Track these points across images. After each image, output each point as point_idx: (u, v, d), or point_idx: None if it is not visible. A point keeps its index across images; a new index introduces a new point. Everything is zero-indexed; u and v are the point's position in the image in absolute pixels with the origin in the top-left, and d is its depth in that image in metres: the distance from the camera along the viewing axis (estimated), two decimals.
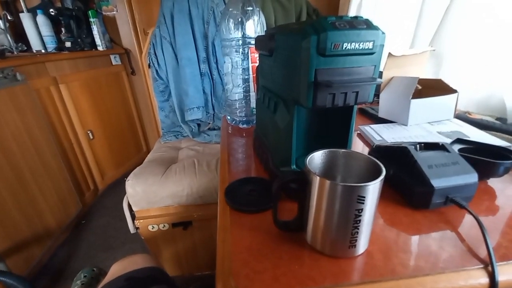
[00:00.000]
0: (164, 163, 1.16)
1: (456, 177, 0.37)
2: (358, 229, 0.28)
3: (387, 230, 0.34)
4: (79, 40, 1.82)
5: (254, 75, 0.68)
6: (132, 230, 1.10)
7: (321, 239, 0.31)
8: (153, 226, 1.09)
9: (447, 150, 0.40)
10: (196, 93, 1.26)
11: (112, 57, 1.96)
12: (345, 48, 0.31)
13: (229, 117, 0.77)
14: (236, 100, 0.72)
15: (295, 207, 0.33)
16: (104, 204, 1.75)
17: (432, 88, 0.69)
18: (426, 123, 0.66)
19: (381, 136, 0.61)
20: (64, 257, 1.37)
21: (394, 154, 0.42)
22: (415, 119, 0.65)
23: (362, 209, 0.27)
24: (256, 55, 0.66)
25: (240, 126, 0.74)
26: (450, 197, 0.36)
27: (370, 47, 0.31)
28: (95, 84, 1.80)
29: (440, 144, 0.41)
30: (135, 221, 1.07)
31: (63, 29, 1.81)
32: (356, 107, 0.40)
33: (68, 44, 1.78)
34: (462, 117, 0.68)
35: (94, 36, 1.86)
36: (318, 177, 0.28)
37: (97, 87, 1.82)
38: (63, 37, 1.80)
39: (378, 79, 0.33)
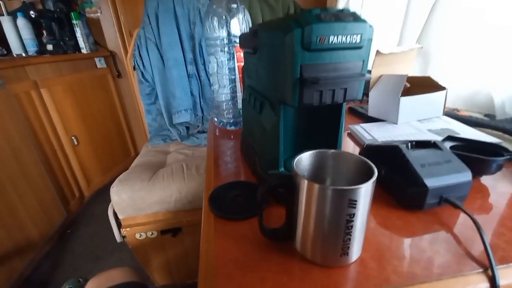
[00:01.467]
0: (151, 168, 1.12)
1: (450, 175, 0.35)
2: (350, 235, 0.26)
3: (380, 234, 0.33)
4: (61, 43, 1.76)
5: (241, 75, 0.65)
6: (118, 239, 1.05)
7: (311, 248, 0.28)
8: (140, 234, 1.05)
9: (440, 148, 0.39)
10: (184, 95, 1.23)
11: (96, 60, 1.91)
12: (331, 42, 0.29)
13: (216, 119, 0.75)
14: (223, 101, 0.70)
15: (281, 210, 0.31)
16: (90, 212, 1.69)
17: (421, 85, 0.68)
18: (415, 121, 0.66)
19: (371, 135, 0.59)
20: (48, 269, 1.31)
21: (386, 153, 0.41)
22: (405, 117, 0.64)
23: (354, 214, 0.25)
24: (242, 54, 0.63)
25: (228, 128, 0.72)
26: (444, 197, 0.35)
27: (358, 40, 0.30)
28: (79, 88, 1.74)
29: (432, 142, 0.40)
30: (121, 230, 1.03)
31: (44, 31, 1.75)
32: (345, 106, 0.38)
33: (50, 47, 1.72)
34: (451, 114, 0.68)
35: (78, 38, 1.81)
36: (306, 181, 0.25)
37: (82, 91, 1.76)
38: (44, 40, 1.74)
39: (367, 75, 0.32)
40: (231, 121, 0.71)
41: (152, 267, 1.17)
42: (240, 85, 0.67)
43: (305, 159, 0.31)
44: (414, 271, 0.27)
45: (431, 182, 0.34)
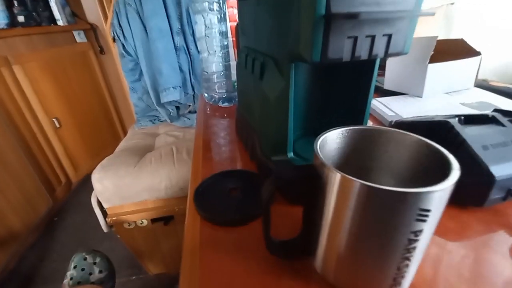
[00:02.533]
0: (138, 152, 1.01)
1: None
2: (409, 260, 0.17)
3: (432, 243, 0.23)
4: (34, 14, 1.57)
5: (234, 38, 0.53)
6: (105, 229, 0.97)
7: (343, 274, 0.19)
8: (129, 223, 0.97)
9: (502, 124, 0.29)
10: (171, 71, 1.10)
11: (75, 33, 1.73)
12: None
13: (206, 95, 0.63)
14: (213, 72, 0.58)
15: (296, 213, 0.21)
16: (78, 199, 1.60)
17: (446, 52, 0.57)
18: (443, 94, 0.55)
19: (393, 111, 0.49)
20: (35, 261, 1.24)
21: (427, 132, 0.31)
22: (432, 89, 0.54)
23: (421, 231, 0.15)
24: (235, 10, 0.51)
25: (220, 104, 0.61)
26: None
27: None
28: (57, 65, 1.58)
29: (490, 115, 0.30)
30: (107, 219, 0.94)
31: (15, 2, 1.55)
32: (378, 64, 0.27)
33: (21, 18, 1.53)
34: (483, 85, 0.58)
35: (52, 9, 1.61)
36: (338, 175, 0.16)
37: (60, 68, 1.60)
38: (15, 11, 1.54)
39: (425, 11, 0.21)
40: (224, 96, 0.60)
41: (144, 256, 1.10)
42: (234, 51, 0.55)
43: (331, 141, 0.20)
44: None
45: (498, 170, 0.25)
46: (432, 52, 0.58)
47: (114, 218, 0.94)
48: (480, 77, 0.67)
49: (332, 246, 0.19)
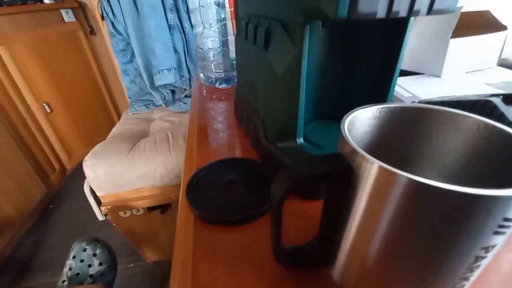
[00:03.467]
0: (131, 138, 0.96)
1: None
2: (467, 280, 0.12)
3: None
4: None
5: (232, 8, 0.47)
6: (100, 217, 0.94)
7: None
8: (124, 212, 0.94)
9: None
10: (165, 51, 1.03)
11: (63, 12, 1.62)
12: None
13: (202, 75, 0.58)
14: (209, 49, 0.52)
15: (311, 210, 0.17)
16: (74, 186, 1.56)
17: (467, 26, 0.51)
18: (463, 74, 0.50)
19: (409, 92, 0.44)
20: (31, 248, 1.22)
21: None
22: (452, 67, 0.49)
23: (494, 246, 0.11)
24: None
25: (218, 86, 0.55)
26: None
27: None
28: (45, 46, 1.49)
29: None
30: (101, 207, 0.91)
31: None
32: (411, 26, 0.22)
33: None
34: (506, 64, 0.52)
35: None
36: (376, 165, 0.11)
37: (49, 49, 1.51)
38: None
39: None
40: (221, 76, 0.55)
41: (142, 244, 1.08)
42: (233, 24, 0.49)
43: (359, 123, 0.16)
44: None
45: None
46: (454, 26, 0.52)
47: (109, 207, 0.91)
48: (503, 55, 0.61)
49: (359, 255, 0.15)
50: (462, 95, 0.28)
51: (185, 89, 1.20)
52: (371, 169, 0.12)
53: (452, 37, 0.47)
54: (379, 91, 0.26)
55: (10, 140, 1.26)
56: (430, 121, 0.16)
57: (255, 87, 0.30)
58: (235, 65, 0.53)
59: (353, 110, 0.15)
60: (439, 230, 0.11)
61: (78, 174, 1.64)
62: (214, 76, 0.55)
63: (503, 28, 0.48)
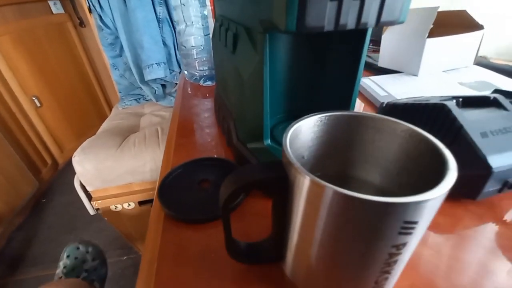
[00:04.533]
0: (121, 133, 0.96)
1: None
2: (389, 273, 0.14)
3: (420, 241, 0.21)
4: None
5: (213, 6, 0.48)
6: (91, 212, 0.95)
7: (314, 283, 0.17)
8: (116, 206, 0.95)
9: (504, 107, 0.26)
10: (154, 45, 1.02)
11: (51, 3, 1.59)
12: None
13: (186, 72, 0.58)
14: (193, 46, 0.53)
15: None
16: (66, 181, 1.56)
17: (445, 25, 0.52)
18: (440, 72, 0.52)
19: (386, 91, 0.45)
20: (22, 242, 1.23)
21: (421, 116, 0.28)
22: (428, 66, 0.50)
23: (405, 244, 0.12)
24: None
25: (202, 83, 0.56)
26: (511, 182, 0.23)
27: None
28: (31, 39, 1.47)
29: (491, 97, 0.27)
30: (92, 202, 0.92)
31: None
32: (369, 34, 0.23)
33: None
34: (483, 63, 0.54)
35: None
36: (308, 179, 0.12)
37: (36, 42, 1.49)
38: None
39: None
40: (205, 74, 0.55)
41: (134, 237, 1.10)
42: (213, 21, 0.49)
43: (306, 131, 0.17)
44: None
45: (496, 161, 0.22)
46: (432, 26, 0.53)
47: (100, 201, 0.92)
48: (482, 54, 0.63)
49: (302, 254, 0.16)
50: (425, 97, 0.30)
51: (176, 84, 1.19)
52: (304, 180, 0.13)
53: (429, 36, 0.48)
54: (345, 92, 0.27)
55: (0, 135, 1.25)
56: (371, 127, 0.17)
57: (228, 86, 0.31)
58: None
59: (297, 121, 0.16)
60: (358, 231, 0.12)
61: (70, 168, 1.64)
62: (198, 73, 0.55)
63: (480, 27, 0.50)
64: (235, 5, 0.26)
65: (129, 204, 0.96)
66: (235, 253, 0.18)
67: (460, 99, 0.27)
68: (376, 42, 0.68)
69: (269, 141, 0.26)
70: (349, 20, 0.18)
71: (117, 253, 1.18)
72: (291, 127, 0.16)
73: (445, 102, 0.25)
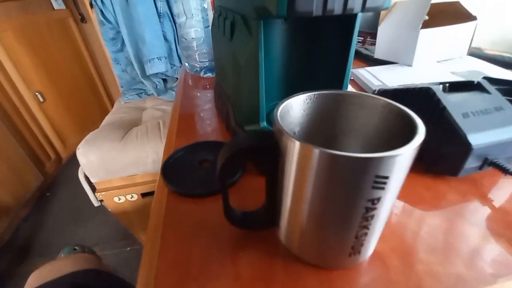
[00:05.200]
0: (123, 126, 0.98)
1: (502, 129, 0.25)
2: (368, 229, 0.16)
3: (402, 213, 0.23)
4: None
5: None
6: (95, 203, 0.97)
7: (304, 242, 0.19)
8: (119, 198, 0.97)
9: (487, 91, 0.28)
10: (155, 39, 1.03)
11: None
12: None
13: (187, 64, 0.60)
14: (193, 38, 0.54)
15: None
16: (70, 174, 1.59)
17: (441, 17, 0.54)
18: (434, 62, 0.53)
19: (380, 80, 0.47)
20: (29, 233, 1.26)
21: (409, 100, 0.29)
22: (422, 57, 0.51)
23: (379, 199, 0.14)
24: None
25: (202, 75, 0.58)
26: (490, 159, 0.25)
27: None
28: (34, 34, 1.48)
29: (475, 82, 0.28)
30: (96, 194, 0.94)
31: None
32: (359, 21, 0.25)
33: None
34: (477, 53, 0.55)
35: None
36: (297, 142, 0.14)
37: (38, 37, 1.50)
38: None
39: None
40: (205, 65, 0.57)
41: (137, 228, 1.13)
42: (213, 13, 0.51)
43: (296, 107, 0.19)
44: (458, 271, 0.18)
45: (476, 139, 0.24)
46: (426, 18, 0.54)
47: (103, 193, 0.94)
48: (476, 45, 0.64)
49: (293, 217, 0.18)
50: (411, 84, 0.31)
51: (177, 78, 1.21)
52: (294, 145, 0.15)
53: (424, 27, 0.49)
54: (337, 77, 0.29)
55: (4, 130, 1.27)
56: (353, 104, 0.19)
57: (227, 74, 0.32)
58: None
59: (287, 98, 0.18)
60: (338, 186, 0.14)
61: (73, 162, 1.66)
62: (198, 65, 0.57)
63: (473, 18, 0.51)
64: None
65: (132, 196, 0.99)
66: (232, 219, 0.20)
67: (447, 84, 0.29)
68: (374, 35, 0.69)
69: (265, 123, 0.28)
70: (336, 6, 0.19)
71: (121, 244, 1.20)
72: (282, 102, 0.17)
73: (431, 86, 0.27)
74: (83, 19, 1.72)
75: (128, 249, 1.21)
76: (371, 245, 0.18)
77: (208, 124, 0.40)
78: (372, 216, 0.15)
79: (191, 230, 0.22)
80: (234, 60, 0.27)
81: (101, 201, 0.98)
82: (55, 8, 1.62)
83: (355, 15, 0.25)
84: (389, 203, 0.15)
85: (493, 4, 0.62)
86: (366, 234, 0.16)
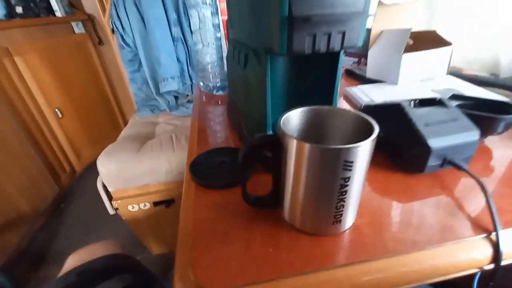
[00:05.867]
0: (139, 139, 1.07)
1: (455, 135, 0.32)
2: (344, 201, 0.23)
3: (377, 199, 0.30)
4: (32, 4, 1.58)
5: (226, 31, 0.58)
6: (110, 211, 1.04)
7: (300, 215, 0.25)
8: (133, 206, 1.04)
9: (445, 106, 0.35)
10: (169, 61, 1.14)
11: (73, 24, 1.75)
12: None
13: (202, 84, 0.68)
14: (208, 62, 0.63)
15: (271, 179, 0.27)
16: (83, 186, 1.67)
17: (423, 42, 0.62)
18: (417, 81, 0.61)
19: (369, 97, 0.55)
20: (44, 242, 1.32)
21: (386, 113, 0.37)
22: (406, 76, 0.59)
23: (349, 178, 0.21)
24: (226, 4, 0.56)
25: (215, 93, 0.66)
26: (448, 159, 0.32)
27: None
28: (56, 56, 1.61)
29: (438, 99, 0.36)
30: (112, 202, 1.01)
31: None
32: (343, 55, 0.32)
33: (19, 9, 1.55)
34: (455, 73, 0.63)
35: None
36: (294, 140, 0.21)
37: (60, 59, 1.63)
38: (13, 2, 1.56)
39: (370, 13, 0.26)
40: (218, 85, 0.65)
41: (147, 236, 1.18)
42: (226, 43, 0.60)
43: (294, 118, 0.26)
44: (414, 238, 0.25)
45: (434, 143, 0.31)
46: (411, 43, 0.63)
47: (119, 201, 1.01)
48: (455, 64, 0.72)
49: (294, 197, 0.25)
50: (389, 101, 0.39)
51: (187, 95, 1.31)
52: (292, 142, 0.22)
53: (408, 51, 0.57)
54: (328, 96, 0.36)
55: (25, 143, 1.37)
56: (333, 115, 0.26)
57: (239, 94, 0.40)
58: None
59: (286, 112, 0.25)
60: (323, 169, 0.21)
61: (87, 174, 1.75)
62: (211, 84, 0.66)
63: (448, 44, 0.59)
64: (246, 33, 0.36)
65: (145, 205, 1.05)
66: (248, 200, 0.27)
67: (417, 101, 0.36)
68: (365, 56, 0.78)
69: (270, 132, 0.36)
70: (321, 46, 0.27)
71: (131, 252, 1.25)
72: (284, 114, 0.25)
73: (401, 103, 0.34)
74: (100, 41, 1.87)
75: (138, 257, 1.25)
76: (349, 217, 0.25)
77: (222, 134, 0.48)
78: (346, 191, 0.22)
79: (216, 210, 0.29)
80: (247, 83, 0.35)
81: (116, 209, 1.04)
82: (76, 32, 1.77)
83: (338, 53, 0.33)
84: (357, 181, 0.22)
85: (467, 30, 0.70)
86: (343, 206, 0.23)
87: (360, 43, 0.29)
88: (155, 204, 1.05)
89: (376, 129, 0.21)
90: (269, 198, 0.27)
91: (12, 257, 1.19)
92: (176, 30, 1.15)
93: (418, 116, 0.33)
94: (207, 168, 0.35)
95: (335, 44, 0.28)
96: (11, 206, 1.23)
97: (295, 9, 0.24)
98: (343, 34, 0.27)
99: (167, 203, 1.07)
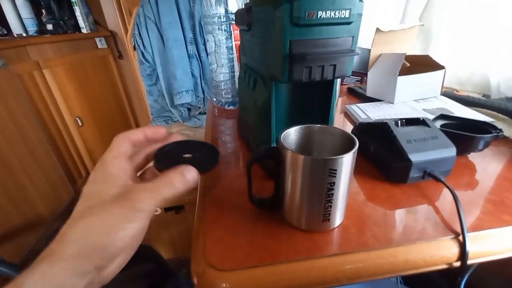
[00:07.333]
0: None
1: (434, 151, 0.37)
2: (331, 202, 0.28)
3: (364, 205, 0.35)
4: (61, 22, 1.73)
5: (238, 54, 0.65)
6: None
7: (296, 214, 0.31)
8: None
9: (427, 125, 0.40)
10: (185, 76, 1.23)
11: (97, 40, 1.89)
12: (320, 17, 0.29)
13: (215, 99, 0.76)
14: (221, 80, 0.70)
15: (272, 184, 0.33)
16: None
17: (420, 65, 0.68)
18: (412, 101, 0.66)
19: (366, 115, 0.60)
20: None
21: (376, 130, 0.42)
22: (402, 96, 0.64)
23: (334, 183, 0.26)
24: (239, 32, 0.63)
25: (226, 107, 0.73)
26: (428, 171, 0.36)
27: (347, 16, 0.30)
28: (80, 69, 1.74)
29: (421, 119, 0.41)
30: None
31: (43, 10, 1.73)
32: (337, 82, 0.38)
33: (49, 26, 1.70)
34: (448, 94, 0.68)
35: (77, 17, 1.78)
36: (290, 152, 0.27)
37: (83, 72, 1.76)
38: (44, 19, 1.72)
39: (356, 51, 0.32)
40: (229, 100, 0.72)
41: (157, 242, 1.23)
42: (238, 64, 0.67)
43: (292, 134, 0.32)
44: (392, 236, 0.29)
45: (415, 157, 0.36)
46: (407, 65, 0.69)
47: None
48: (449, 85, 0.77)
49: (291, 199, 0.30)
50: (379, 119, 0.44)
51: (200, 107, 1.39)
52: (289, 154, 0.28)
53: (404, 73, 0.63)
54: (325, 117, 0.42)
55: (48, 148, 1.47)
56: (323, 132, 0.32)
57: (248, 110, 0.46)
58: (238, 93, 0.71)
59: (285, 129, 0.31)
60: (313, 176, 0.27)
61: None
62: (223, 100, 0.73)
63: (441, 67, 0.64)
64: (255, 62, 0.42)
65: (156, 210, 1.11)
66: (254, 201, 0.32)
67: (404, 120, 0.42)
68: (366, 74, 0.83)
69: (274, 144, 0.41)
70: (316, 76, 0.33)
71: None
72: (284, 131, 0.31)
73: (387, 121, 0.40)
74: (120, 56, 2.00)
75: None
76: (336, 216, 0.30)
77: (231, 145, 0.54)
78: (332, 194, 0.27)
79: (228, 209, 0.34)
80: (255, 103, 0.41)
81: None
82: (99, 47, 1.91)
83: (333, 80, 0.39)
84: (342, 185, 0.27)
85: (460, 53, 0.76)
86: (330, 206, 0.28)
87: (349, 73, 0.35)
88: (166, 210, 1.11)
89: (357, 144, 0.27)
90: (271, 200, 0.33)
91: (27, 258, 1.26)
92: (191, 48, 1.25)
93: (402, 133, 0.38)
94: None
95: (328, 74, 0.34)
96: (32, 208, 1.32)
97: (294, 49, 0.31)
98: (334, 66, 0.33)
99: (177, 209, 1.12)
